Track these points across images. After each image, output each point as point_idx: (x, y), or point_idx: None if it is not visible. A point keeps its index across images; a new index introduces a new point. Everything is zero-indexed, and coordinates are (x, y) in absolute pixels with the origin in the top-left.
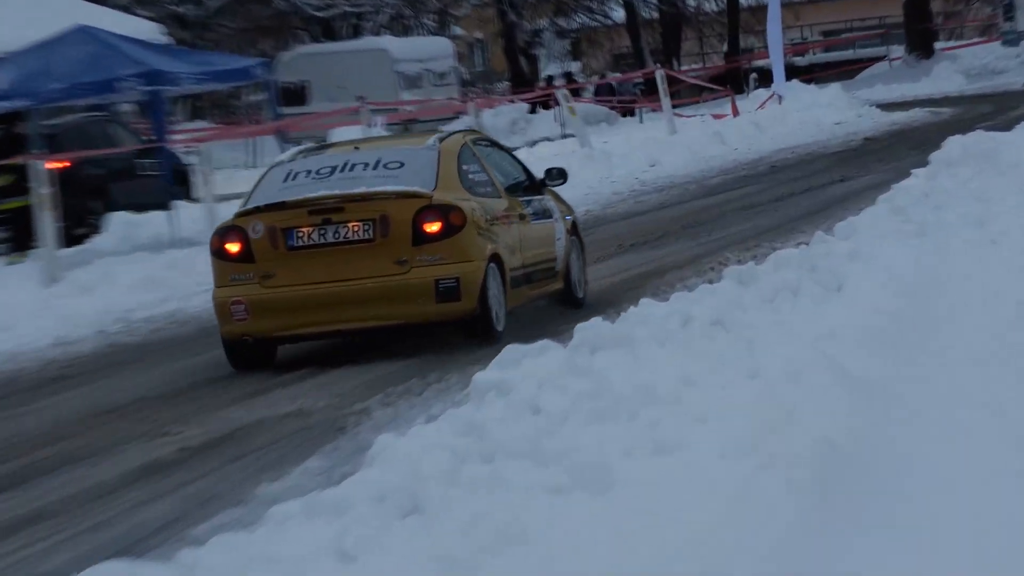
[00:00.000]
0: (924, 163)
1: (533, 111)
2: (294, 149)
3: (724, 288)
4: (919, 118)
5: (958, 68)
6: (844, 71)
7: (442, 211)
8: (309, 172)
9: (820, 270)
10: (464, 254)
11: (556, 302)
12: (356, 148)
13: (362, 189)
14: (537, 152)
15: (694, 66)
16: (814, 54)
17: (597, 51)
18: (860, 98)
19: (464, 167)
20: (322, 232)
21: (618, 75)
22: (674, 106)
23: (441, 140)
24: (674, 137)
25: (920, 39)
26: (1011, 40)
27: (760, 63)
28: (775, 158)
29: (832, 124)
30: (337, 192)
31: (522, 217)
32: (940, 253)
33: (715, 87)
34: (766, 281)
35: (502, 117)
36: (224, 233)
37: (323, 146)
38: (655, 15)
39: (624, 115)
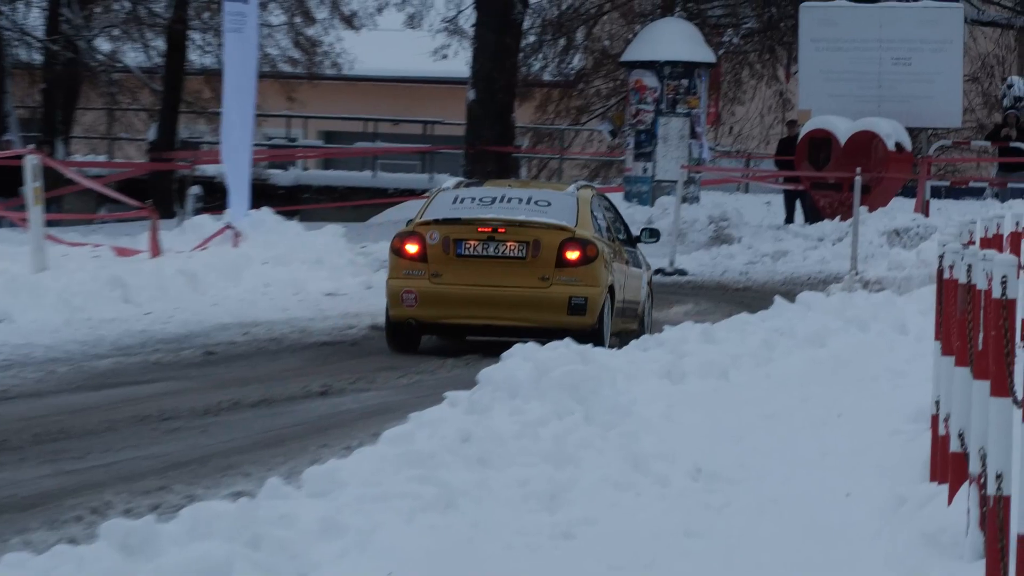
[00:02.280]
0: (470, 384)
1: None
2: (454, 180)
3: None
4: None
5: None
6: (354, 206)
7: (581, 244)
8: (474, 199)
9: (266, 546)
10: (593, 280)
11: None
12: (510, 186)
13: (522, 217)
14: None
15: (95, 158)
16: (305, 168)
17: None
18: (374, 256)
19: (594, 213)
20: (486, 246)
21: None
22: (51, 223)
23: (578, 189)
24: (43, 277)
25: (488, 166)
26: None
27: (210, 169)
28: (215, 339)
29: (322, 294)
30: (502, 217)
31: (626, 262)
32: (474, 545)
33: (126, 199)
34: (173, 556)
35: None
36: (405, 236)
37: (478, 181)
38: (35, 57)
39: None
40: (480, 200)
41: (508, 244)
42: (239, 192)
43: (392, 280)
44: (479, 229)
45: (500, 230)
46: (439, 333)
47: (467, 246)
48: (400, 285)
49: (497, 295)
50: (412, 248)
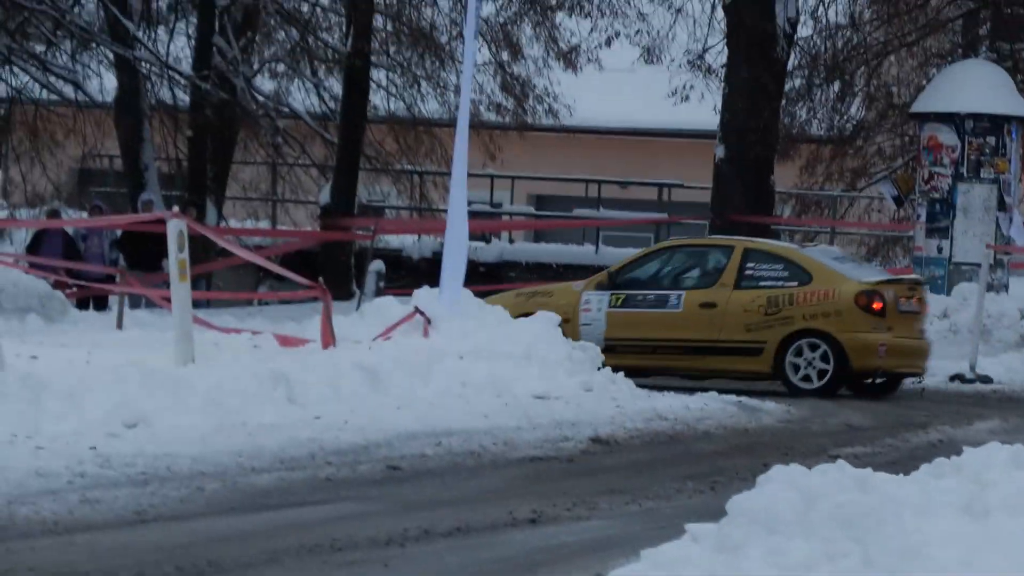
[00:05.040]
0: (717, 513)
1: None
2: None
3: None
4: (714, 412)
5: None
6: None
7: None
8: (841, 258)
9: None
10: None
11: None
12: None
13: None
14: None
15: (255, 224)
16: (511, 241)
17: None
18: (594, 351)
19: None
20: (907, 301)
21: (102, 208)
22: (199, 303)
23: None
24: (189, 371)
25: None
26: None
27: (393, 241)
28: (400, 451)
29: (531, 397)
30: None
31: None
32: None
33: (292, 276)
34: None
35: None
36: (871, 295)
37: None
38: (181, 98)
39: (82, 304)
40: (850, 261)
41: (913, 300)
42: (453, 268)
43: (860, 334)
44: (908, 287)
45: (914, 288)
46: (897, 378)
47: (903, 302)
48: (873, 339)
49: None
50: (877, 305)
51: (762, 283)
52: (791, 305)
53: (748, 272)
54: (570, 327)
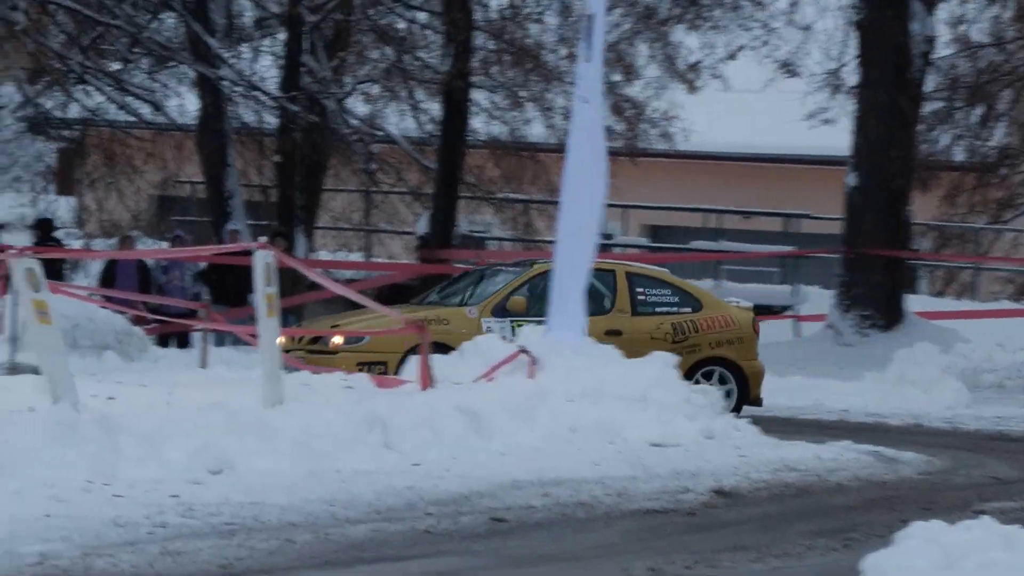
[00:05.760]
0: (850, 573)
1: None
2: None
3: None
4: (848, 463)
5: (958, 361)
6: None
7: None
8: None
9: None
10: None
11: None
12: None
13: None
14: None
15: (347, 256)
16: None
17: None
18: (716, 395)
19: None
20: None
21: (183, 237)
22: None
23: None
24: (278, 413)
25: (873, 277)
26: None
27: (500, 265)
28: (505, 501)
29: (646, 444)
30: None
31: None
32: None
33: (387, 312)
34: None
35: None
36: (756, 321)
37: None
38: (268, 121)
39: (162, 340)
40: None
41: None
42: (571, 305)
43: (755, 361)
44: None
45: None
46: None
47: None
48: (761, 365)
49: None
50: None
51: (658, 309)
52: (696, 332)
53: (640, 297)
54: None
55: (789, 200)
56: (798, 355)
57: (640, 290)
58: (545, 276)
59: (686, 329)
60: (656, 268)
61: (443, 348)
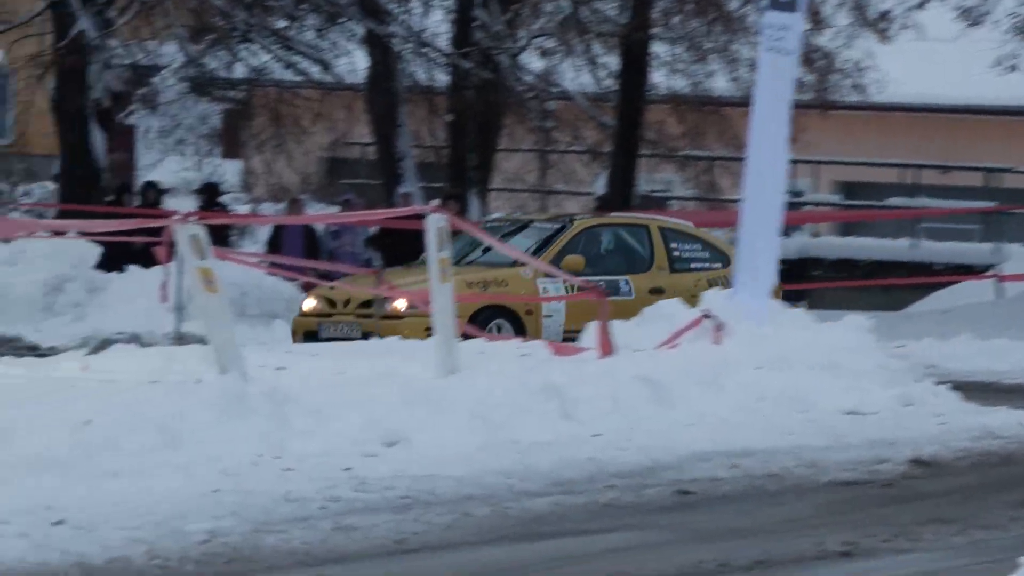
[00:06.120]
0: None
1: (112, 263)
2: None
3: None
4: None
5: None
6: (885, 287)
7: None
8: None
9: None
10: None
11: None
12: None
13: None
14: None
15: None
16: (815, 234)
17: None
18: (915, 360)
19: None
20: None
21: (354, 201)
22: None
23: None
24: (452, 383)
25: None
26: None
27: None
28: (690, 473)
29: (840, 413)
30: None
31: None
32: None
33: (567, 276)
34: None
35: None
36: None
37: None
38: (439, 78)
39: None
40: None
41: None
42: (761, 267)
43: None
44: None
45: None
46: None
47: None
48: None
49: None
50: None
51: (692, 265)
52: None
53: (676, 254)
54: (532, 319)
55: (991, 154)
56: (1001, 317)
57: (674, 245)
58: (591, 232)
59: (722, 285)
60: (682, 222)
61: (504, 312)
